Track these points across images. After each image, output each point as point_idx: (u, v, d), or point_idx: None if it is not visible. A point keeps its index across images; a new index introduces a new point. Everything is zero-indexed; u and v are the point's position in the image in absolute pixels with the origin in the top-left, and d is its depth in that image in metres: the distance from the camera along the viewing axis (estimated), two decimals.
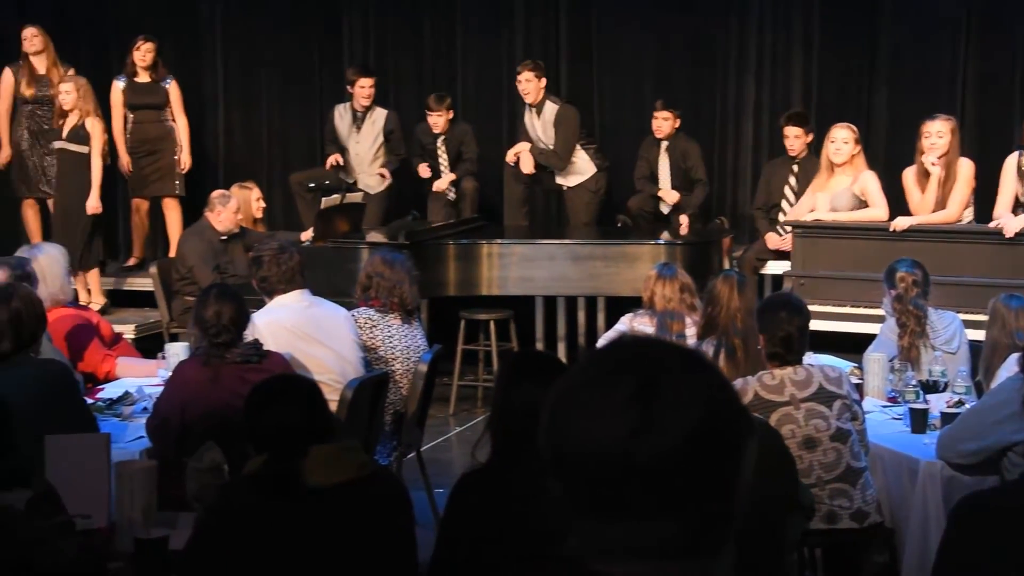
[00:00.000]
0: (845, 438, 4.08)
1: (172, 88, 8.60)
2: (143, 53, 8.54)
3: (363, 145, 8.69)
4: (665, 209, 8.36)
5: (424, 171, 8.59)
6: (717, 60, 9.05)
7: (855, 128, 7.24)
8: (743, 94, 9.06)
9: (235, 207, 7.32)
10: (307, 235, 7.44)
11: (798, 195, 7.57)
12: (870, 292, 6.48)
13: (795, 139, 7.88)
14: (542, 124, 8.36)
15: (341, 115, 8.74)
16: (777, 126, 8.23)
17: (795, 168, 7.85)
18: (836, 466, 4.07)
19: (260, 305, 5.09)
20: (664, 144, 8.36)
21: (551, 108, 8.34)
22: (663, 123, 8.31)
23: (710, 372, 1.20)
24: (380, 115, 8.69)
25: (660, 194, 8.36)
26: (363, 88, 8.57)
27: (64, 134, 7.93)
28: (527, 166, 8.36)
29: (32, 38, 8.47)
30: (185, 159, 8.59)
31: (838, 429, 4.08)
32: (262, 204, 7.76)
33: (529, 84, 8.26)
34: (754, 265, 7.75)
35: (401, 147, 8.77)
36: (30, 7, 9.47)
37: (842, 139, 7.14)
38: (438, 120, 8.53)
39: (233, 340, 4.21)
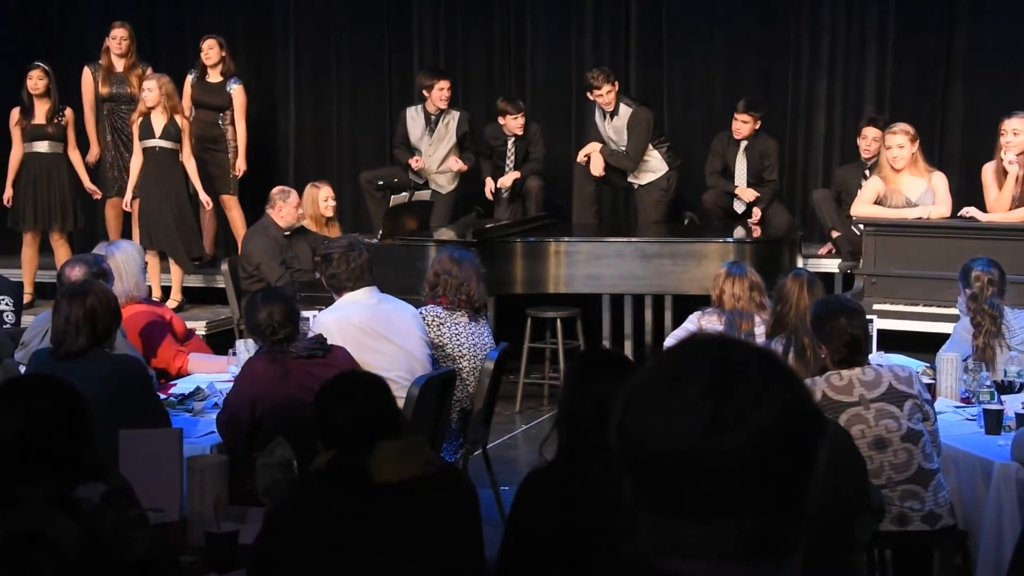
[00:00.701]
0: (916, 439, 4.02)
1: (236, 92, 8.63)
2: (205, 51, 8.64)
3: (436, 147, 8.71)
4: (740, 207, 8.29)
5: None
6: (789, 56, 8.95)
7: (909, 129, 7.13)
8: (815, 91, 8.95)
9: (295, 202, 7.39)
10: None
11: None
12: (943, 291, 6.39)
13: (873, 141, 7.77)
14: (615, 127, 8.32)
15: (413, 118, 8.75)
16: (851, 124, 8.12)
17: (867, 173, 7.76)
18: (907, 467, 4.01)
19: (329, 302, 5.14)
20: (743, 144, 8.29)
21: (625, 111, 8.31)
22: (743, 126, 8.24)
23: (784, 371, 1.19)
24: (454, 117, 8.69)
25: (737, 192, 8.28)
26: (442, 91, 8.57)
27: (158, 132, 8.02)
28: (597, 168, 8.33)
29: (120, 40, 8.57)
30: (240, 165, 8.64)
31: (909, 430, 4.02)
32: (332, 203, 7.78)
33: (610, 95, 8.24)
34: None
35: (472, 147, 8.78)
36: (115, 5, 9.64)
37: (897, 144, 7.04)
38: (517, 123, 8.53)
39: (291, 335, 4.24)
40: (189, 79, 8.74)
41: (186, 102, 8.64)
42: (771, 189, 8.28)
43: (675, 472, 1.15)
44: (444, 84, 8.59)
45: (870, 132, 7.83)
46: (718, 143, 8.39)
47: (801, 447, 1.17)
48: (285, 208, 7.34)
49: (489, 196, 8.70)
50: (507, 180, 8.60)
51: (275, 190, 7.53)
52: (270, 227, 7.34)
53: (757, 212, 8.18)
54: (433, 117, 8.69)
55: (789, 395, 1.17)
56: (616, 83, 8.27)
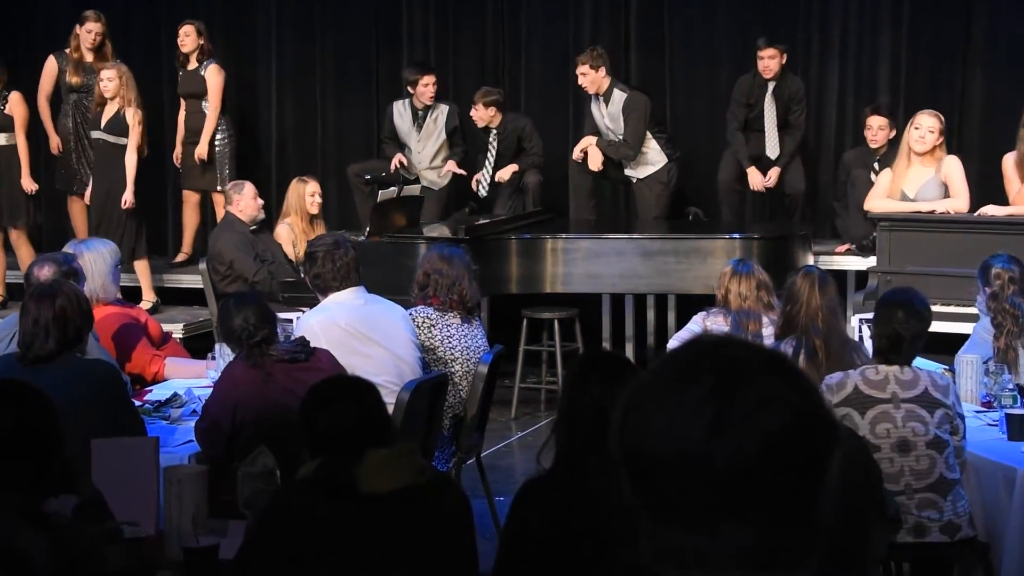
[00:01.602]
0: (942, 447, 4.03)
1: (208, 73, 8.53)
2: (181, 37, 8.61)
3: (425, 143, 8.70)
4: (755, 181, 8.21)
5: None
6: (798, 42, 8.94)
7: (942, 118, 7.14)
8: (826, 79, 8.95)
9: (252, 192, 7.40)
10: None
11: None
12: (962, 289, 6.39)
13: (879, 130, 7.78)
14: (610, 114, 8.32)
15: (400, 113, 8.74)
16: (862, 114, 8.12)
17: (876, 166, 7.76)
18: (928, 474, 4.01)
19: (313, 303, 5.13)
20: (771, 86, 8.25)
21: (619, 96, 8.30)
22: (770, 62, 8.18)
23: (793, 374, 1.19)
24: (443, 111, 8.68)
25: (749, 175, 8.25)
26: (427, 87, 8.55)
27: (103, 124, 8.00)
28: (595, 162, 8.31)
29: (95, 36, 8.50)
30: (200, 150, 8.50)
31: (936, 436, 4.03)
32: (317, 200, 7.75)
33: (586, 77, 8.23)
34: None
35: (463, 143, 8.77)
36: None
37: (928, 127, 7.03)
38: (480, 114, 8.50)
39: (269, 337, 4.24)
40: (179, 72, 8.74)
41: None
42: (798, 135, 8.27)
43: (677, 478, 1.14)
44: (429, 80, 8.57)
45: (875, 121, 7.82)
46: (740, 91, 8.31)
47: (812, 453, 1.17)
48: (243, 200, 7.35)
49: (474, 187, 8.68)
50: (504, 173, 8.59)
51: (228, 186, 7.56)
52: (235, 223, 7.35)
53: (775, 175, 8.15)
54: (420, 112, 8.68)
55: (798, 398, 1.17)
56: (602, 68, 8.23)
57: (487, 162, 8.65)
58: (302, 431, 2.98)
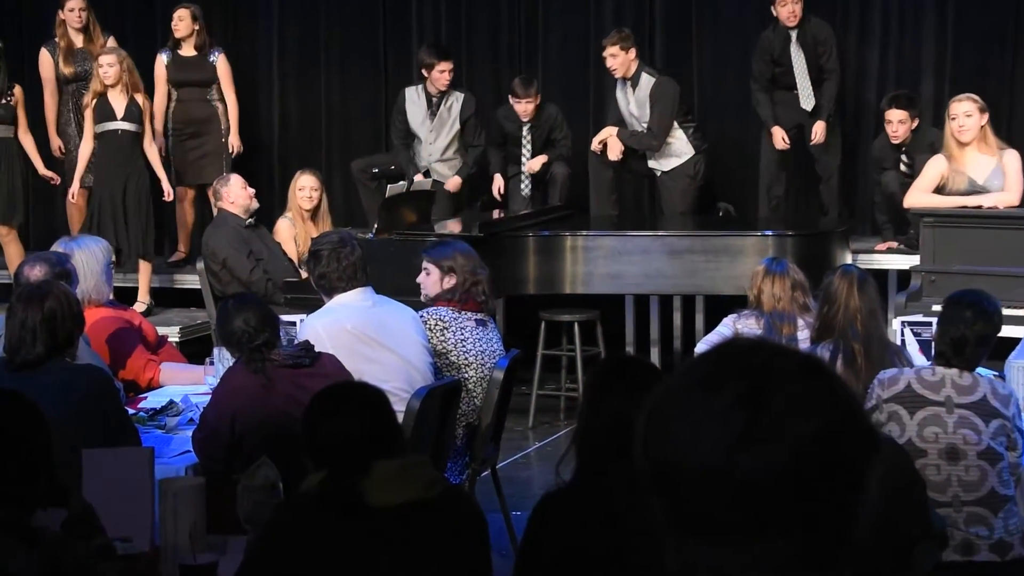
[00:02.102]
0: (995, 460, 4.02)
1: (220, 62, 8.68)
2: (176, 22, 8.64)
3: (438, 133, 8.70)
4: (808, 105, 8.18)
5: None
6: (835, 24, 8.92)
7: (976, 98, 7.10)
8: (865, 63, 8.92)
9: (239, 182, 7.43)
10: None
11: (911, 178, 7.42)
12: (1012, 289, 6.36)
13: (899, 124, 7.74)
14: (636, 100, 8.31)
15: (414, 100, 8.73)
16: (881, 108, 8.04)
17: (903, 158, 7.74)
18: (978, 487, 4.00)
19: (317, 305, 5.14)
20: (795, 34, 8.22)
21: (647, 80, 8.29)
22: (794, 7, 8.15)
23: (829, 379, 1.19)
24: (457, 99, 8.68)
25: (774, 135, 8.23)
26: (443, 73, 8.55)
27: (119, 114, 8.03)
28: (614, 152, 8.32)
29: (79, 12, 8.55)
30: (235, 142, 8.68)
31: (989, 447, 4.01)
32: (313, 194, 7.72)
33: (615, 59, 8.22)
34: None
35: (478, 136, 8.75)
36: None
37: (964, 112, 7.00)
38: (527, 108, 8.52)
39: (270, 340, 4.26)
40: (162, 58, 8.73)
41: (160, 86, 8.65)
42: (835, 81, 8.23)
43: (704, 490, 1.14)
44: (445, 66, 8.56)
45: (895, 115, 7.76)
46: (762, 46, 8.29)
47: (848, 464, 1.17)
48: (232, 192, 7.38)
49: (497, 195, 8.67)
50: (535, 163, 8.59)
51: (215, 182, 7.61)
52: (228, 219, 7.37)
53: (820, 129, 8.14)
54: (435, 100, 8.68)
55: (833, 405, 1.17)
56: (631, 50, 8.23)
57: (524, 157, 8.65)
58: (305, 441, 2.98)
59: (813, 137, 8.21)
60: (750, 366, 1.18)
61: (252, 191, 7.49)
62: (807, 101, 8.26)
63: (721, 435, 1.14)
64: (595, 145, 8.40)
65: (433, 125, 8.69)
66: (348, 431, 2.92)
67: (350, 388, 3.20)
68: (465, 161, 8.71)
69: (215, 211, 8.03)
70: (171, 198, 8.23)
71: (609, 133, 8.36)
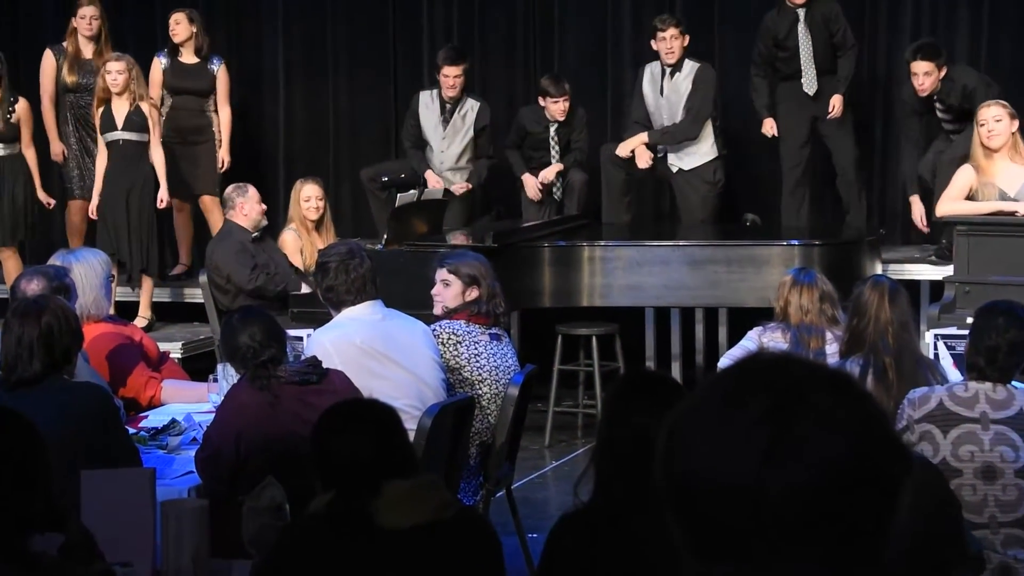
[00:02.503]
0: None
1: (220, 73, 8.69)
2: (172, 26, 8.65)
3: (451, 141, 8.69)
4: (811, 89, 8.17)
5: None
6: (864, 18, 8.91)
7: (1006, 103, 7.09)
8: (895, 56, 8.89)
9: (255, 196, 7.44)
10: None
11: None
12: None
13: (925, 76, 7.70)
14: (674, 87, 8.27)
15: (428, 105, 8.71)
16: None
17: (938, 104, 7.70)
18: (1016, 507, 3.98)
19: (325, 319, 5.15)
20: (802, 14, 8.21)
21: (690, 66, 8.30)
22: None
23: (858, 395, 1.19)
24: (472, 108, 8.66)
25: (764, 126, 8.24)
26: (447, 78, 8.53)
27: (120, 123, 8.06)
28: (644, 160, 8.29)
29: (91, 20, 8.56)
30: (225, 157, 8.68)
31: None
32: (317, 204, 7.72)
33: (676, 42, 8.21)
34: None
35: (490, 147, 8.74)
36: None
37: (993, 117, 6.98)
38: (563, 107, 8.50)
39: (277, 356, 4.26)
40: (159, 62, 8.76)
41: (155, 90, 8.67)
42: (851, 55, 8.20)
43: (728, 510, 1.14)
44: (451, 71, 8.50)
45: (920, 67, 7.67)
46: (764, 27, 8.29)
47: (878, 484, 1.16)
48: (247, 205, 7.39)
49: (535, 195, 8.63)
50: (550, 173, 8.58)
51: (229, 189, 7.59)
52: (235, 231, 7.39)
53: (838, 102, 8.11)
54: (448, 106, 8.68)
55: (863, 422, 1.17)
56: (686, 36, 8.27)
57: (553, 160, 8.64)
58: (313, 460, 2.99)
59: (830, 111, 8.15)
60: (775, 381, 1.17)
61: (265, 208, 7.52)
62: (810, 85, 8.23)
63: (745, 453, 1.14)
64: (624, 151, 8.34)
65: (446, 132, 8.68)
66: (357, 450, 2.92)
67: (360, 405, 3.20)
68: (476, 169, 8.71)
69: (211, 223, 8.08)
70: (163, 205, 8.18)
71: (640, 141, 8.31)
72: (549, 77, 8.64)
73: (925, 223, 7.83)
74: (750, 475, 1.14)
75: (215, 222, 8.61)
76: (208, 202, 8.72)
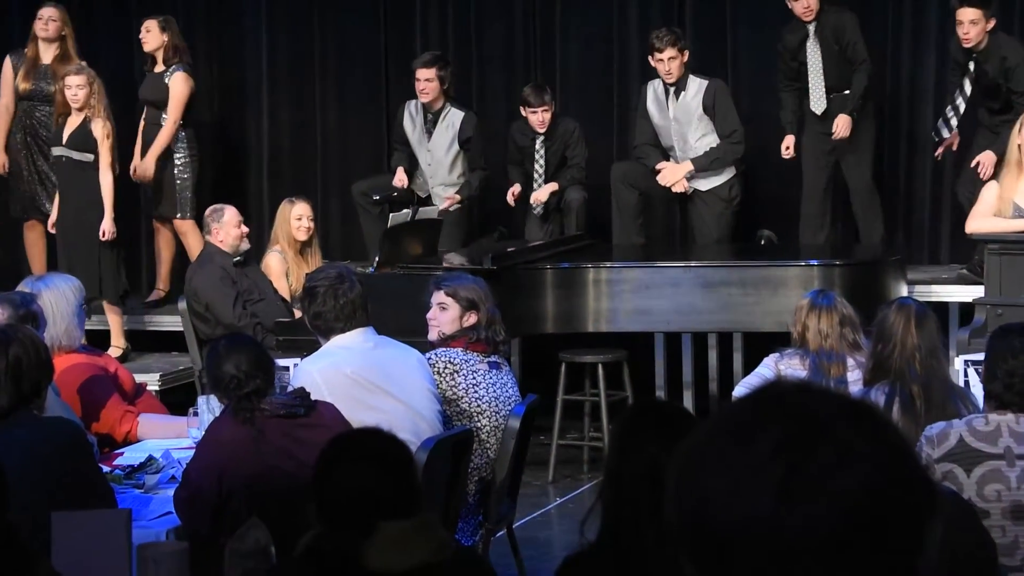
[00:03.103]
0: None
1: (173, 81, 8.48)
2: (142, 35, 8.58)
3: (436, 153, 8.71)
4: (819, 108, 8.17)
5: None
6: (887, 22, 8.93)
7: None
8: (921, 68, 8.91)
9: (234, 219, 7.38)
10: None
11: None
12: None
13: (971, 24, 7.66)
14: (682, 107, 8.27)
15: (412, 115, 8.76)
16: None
17: (972, 67, 7.66)
18: None
19: (313, 348, 5.15)
20: (812, 28, 8.20)
21: (696, 85, 8.28)
22: (809, 0, 8.14)
23: (880, 425, 1.19)
24: (455, 118, 8.65)
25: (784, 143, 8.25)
26: (418, 81, 8.51)
27: (64, 138, 8.02)
28: (681, 186, 8.28)
29: (48, 21, 8.52)
30: (146, 168, 8.47)
31: None
32: (308, 224, 7.71)
33: (674, 62, 8.20)
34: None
35: (481, 159, 8.73)
36: None
37: None
38: (543, 117, 8.50)
39: (262, 388, 4.26)
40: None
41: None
42: (863, 72, 8.17)
43: (742, 549, 1.14)
44: (422, 74, 8.51)
45: (966, 14, 7.61)
46: (782, 46, 8.30)
47: (902, 520, 1.16)
48: (223, 229, 7.35)
49: (511, 201, 8.66)
50: (542, 194, 8.55)
51: (207, 212, 7.57)
52: (215, 255, 7.36)
53: (843, 123, 8.07)
54: (430, 116, 8.69)
55: (886, 454, 1.17)
56: (686, 52, 8.25)
57: (537, 175, 8.64)
58: (312, 491, 3.00)
59: (835, 131, 8.14)
60: (791, 411, 1.18)
61: (246, 230, 7.47)
62: (817, 104, 8.24)
63: (759, 488, 1.14)
64: (671, 183, 8.26)
65: (430, 144, 8.68)
66: (355, 483, 2.93)
67: (370, 436, 3.19)
68: (468, 181, 8.70)
69: (187, 246, 8.04)
70: (109, 237, 7.96)
71: (686, 170, 8.25)
72: (531, 86, 8.67)
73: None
74: (765, 511, 1.14)
75: (191, 245, 8.56)
76: (180, 226, 8.64)
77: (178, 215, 8.53)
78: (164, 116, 8.52)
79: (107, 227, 7.96)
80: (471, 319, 5.33)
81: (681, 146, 8.33)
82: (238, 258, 7.40)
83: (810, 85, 8.26)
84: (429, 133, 8.69)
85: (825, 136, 8.26)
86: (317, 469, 3.00)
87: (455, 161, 8.72)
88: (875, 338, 4.77)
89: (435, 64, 8.60)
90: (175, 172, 8.56)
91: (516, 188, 8.61)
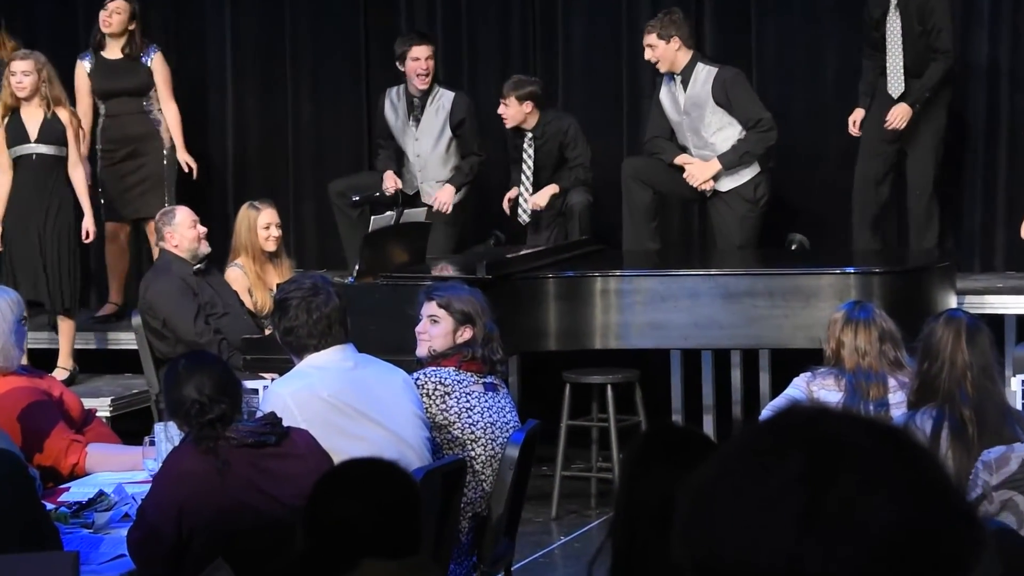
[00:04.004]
0: None
1: (156, 64, 8.65)
2: (109, 14, 8.63)
3: (424, 142, 8.71)
4: (895, 91, 8.19)
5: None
6: (972, 15, 8.92)
7: None
8: (973, 55, 8.92)
9: (187, 219, 7.37)
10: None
11: None
12: None
13: None
14: (692, 98, 8.28)
15: (393, 103, 8.78)
16: (1022, 100, 8.02)
17: None
18: None
19: (284, 367, 5.16)
20: (894, 0, 8.21)
21: (705, 73, 8.26)
22: None
23: (914, 453, 1.19)
24: (445, 99, 8.69)
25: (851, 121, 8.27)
26: (417, 60, 8.57)
27: (34, 135, 8.02)
28: (708, 185, 8.29)
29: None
30: (185, 159, 8.64)
31: None
32: (276, 233, 7.70)
33: (653, 51, 8.21)
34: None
35: (474, 143, 8.76)
36: None
37: None
38: (505, 111, 8.49)
39: (227, 414, 4.26)
40: (83, 65, 8.75)
41: (84, 98, 8.67)
42: (941, 62, 8.14)
43: None
44: (421, 52, 8.54)
45: None
46: (866, 11, 8.32)
47: (940, 560, 1.16)
48: (176, 232, 7.35)
49: (507, 209, 8.69)
50: (541, 198, 8.56)
51: (156, 216, 7.58)
52: (172, 264, 7.35)
53: (899, 113, 8.10)
54: (416, 100, 8.70)
55: (921, 487, 1.17)
56: (675, 38, 8.21)
57: (524, 177, 8.65)
58: (300, 517, 3.03)
59: (889, 120, 8.15)
60: (813, 437, 1.18)
61: (203, 231, 7.46)
62: (895, 86, 8.20)
63: (778, 522, 1.15)
64: (700, 182, 8.26)
65: (418, 132, 8.68)
66: (343, 515, 2.95)
67: (373, 468, 3.21)
68: (460, 168, 8.70)
69: (155, 252, 8.03)
70: (90, 239, 8.13)
71: (715, 169, 8.26)
72: (512, 79, 8.67)
73: None
74: (784, 548, 1.14)
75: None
76: (154, 228, 8.65)
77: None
78: (147, 103, 8.62)
79: (90, 226, 8.06)
80: (466, 334, 5.33)
81: (695, 142, 8.33)
82: (198, 265, 7.38)
83: (888, 63, 8.23)
84: (417, 120, 8.69)
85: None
86: (312, 491, 3.02)
87: (448, 151, 8.72)
88: (920, 355, 4.78)
89: (432, 42, 8.64)
90: (164, 166, 8.64)
91: (513, 192, 8.63)
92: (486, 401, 5.31)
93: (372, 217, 7.86)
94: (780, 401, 5.50)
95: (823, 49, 9.12)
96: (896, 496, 1.16)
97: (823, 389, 5.27)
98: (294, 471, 4.21)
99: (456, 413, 5.24)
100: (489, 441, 5.27)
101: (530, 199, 8.60)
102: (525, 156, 8.66)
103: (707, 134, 8.28)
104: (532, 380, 7.82)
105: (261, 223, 7.66)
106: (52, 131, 8.01)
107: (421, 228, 7.99)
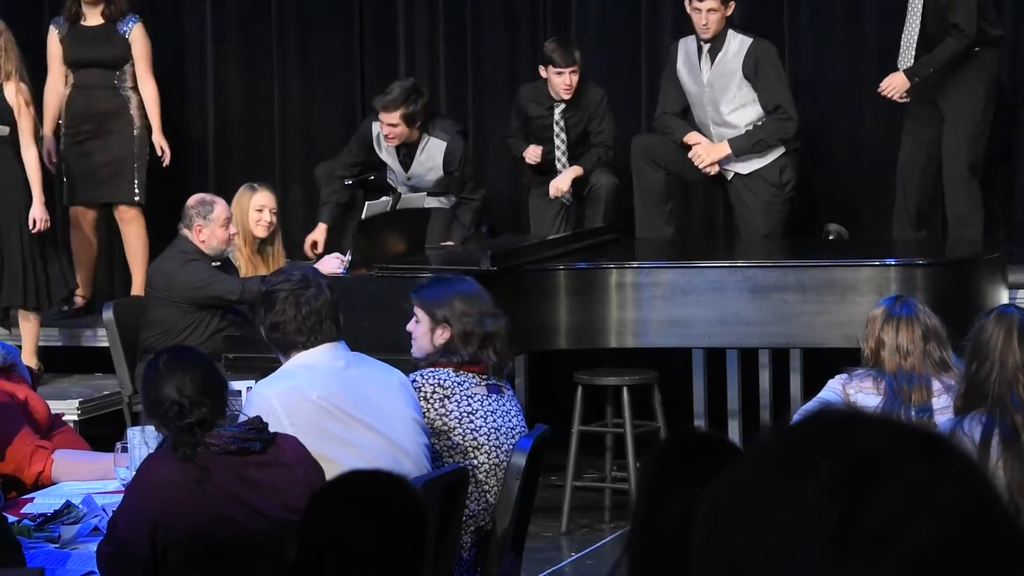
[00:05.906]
0: None
1: (136, 35, 8.62)
2: None
3: (419, 181, 8.59)
4: (903, 64, 8.19)
5: (533, 155, 8.55)
6: None
7: None
8: (1011, 32, 8.93)
9: (223, 216, 7.34)
10: (331, 263, 7.33)
11: None
12: None
13: None
14: (720, 69, 8.26)
15: (389, 150, 8.61)
16: None
17: None
18: None
19: (270, 367, 5.16)
20: None
21: (736, 43, 8.26)
22: None
23: (959, 463, 1.19)
24: (435, 149, 8.49)
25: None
26: (382, 125, 8.35)
27: None
28: (714, 168, 8.28)
29: None
30: (160, 143, 8.61)
31: None
32: (270, 218, 7.71)
33: (714, 15, 8.18)
34: None
35: (473, 188, 8.62)
36: None
37: None
38: (571, 80, 8.47)
39: (209, 417, 4.25)
40: (54, 31, 8.75)
41: (56, 67, 8.65)
42: (957, 43, 8.10)
43: None
44: (387, 117, 8.31)
45: None
46: None
47: None
48: (208, 227, 7.30)
49: (534, 158, 8.59)
50: (563, 182, 8.51)
51: (191, 202, 7.48)
52: (190, 250, 7.32)
53: (893, 81, 8.10)
54: (404, 148, 8.52)
55: (966, 502, 1.17)
56: (731, 5, 8.23)
57: (559, 153, 8.61)
58: (294, 530, 3.05)
59: (882, 87, 8.14)
60: (846, 445, 1.18)
61: (233, 231, 7.47)
62: (904, 59, 8.18)
63: (807, 539, 1.14)
64: (706, 164, 8.27)
65: (409, 174, 8.49)
66: (344, 534, 2.96)
67: (379, 482, 3.22)
68: (458, 219, 8.57)
69: (129, 232, 8.01)
70: (40, 228, 8.05)
71: (723, 152, 8.26)
72: (555, 41, 8.62)
73: None
74: (814, 568, 1.14)
75: (132, 237, 8.59)
76: (125, 213, 8.65)
77: (136, 199, 8.56)
78: (120, 78, 8.61)
79: (38, 214, 8.02)
80: (444, 335, 5.32)
81: (713, 117, 8.33)
82: (217, 264, 7.37)
83: (904, 35, 8.21)
84: (406, 166, 8.57)
85: (931, 104, 8.25)
86: (308, 506, 3.05)
87: (440, 179, 8.61)
88: (969, 356, 4.78)
89: (402, 104, 8.33)
90: (134, 147, 8.63)
91: (534, 150, 8.58)
92: (490, 405, 5.31)
93: (366, 203, 7.85)
94: (812, 405, 5.49)
95: (862, 21, 9.11)
96: (939, 511, 1.16)
97: (860, 392, 5.27)
98: (281, 481, 4.22)
99: (457, 418, 5.25)
100: (493, 448, 5.27)
101: (553, 185, 8.56)
102: (557, 130, 8.62)
103: (726, 109, 8.28)
104: (541, 381, 7.83)
105: (254, 205, 7.68)
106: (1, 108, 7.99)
107: (419, 215, 7.98)
